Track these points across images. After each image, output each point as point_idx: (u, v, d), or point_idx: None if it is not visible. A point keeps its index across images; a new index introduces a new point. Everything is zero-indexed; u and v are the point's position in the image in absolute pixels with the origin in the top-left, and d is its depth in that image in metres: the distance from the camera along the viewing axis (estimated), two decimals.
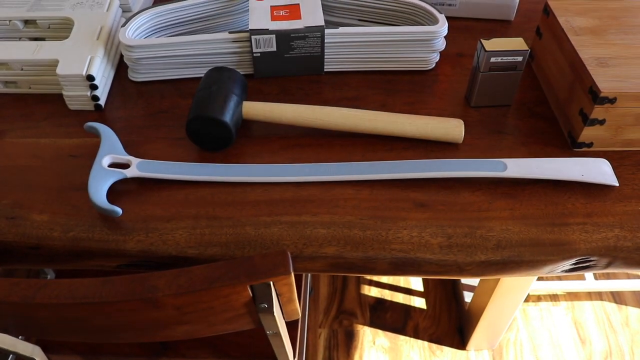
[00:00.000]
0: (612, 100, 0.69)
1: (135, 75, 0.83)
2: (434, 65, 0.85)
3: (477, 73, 0.76)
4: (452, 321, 1.34)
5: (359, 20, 0.88)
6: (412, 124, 0.74)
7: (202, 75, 0.83)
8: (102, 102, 0.79)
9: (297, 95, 0.81)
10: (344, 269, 0.66)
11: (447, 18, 0.93)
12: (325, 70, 0.84)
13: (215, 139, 0.72)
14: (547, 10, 0.82)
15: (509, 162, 0.71)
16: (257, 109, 0.74)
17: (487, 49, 0.73)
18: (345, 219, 0.67)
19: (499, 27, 0.94)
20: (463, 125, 0.74)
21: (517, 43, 0.75)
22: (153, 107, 0.80)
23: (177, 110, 0.80)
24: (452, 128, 0.74)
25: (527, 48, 0.74)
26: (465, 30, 0.93)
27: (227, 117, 0.70)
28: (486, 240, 0.65)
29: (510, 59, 0.74)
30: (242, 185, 0.70)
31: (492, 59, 0.74)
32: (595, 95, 0.69)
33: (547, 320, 1.35)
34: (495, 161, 0.71)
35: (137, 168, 0.70)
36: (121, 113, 0.80)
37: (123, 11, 0.90)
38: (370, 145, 0.75)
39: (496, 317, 1.16)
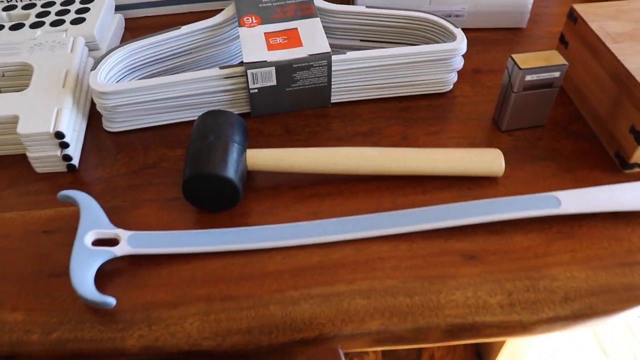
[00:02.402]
0: None
1: (111, 126, 0.71)
2: (452, 87, 0.75)
3: (510, 93, 0.67)
4: (470, 347, 1.25)
5: (361, 40, 0.78)
6: (445, 160, 0.64)
7: (190, 119, 0.71)
8: (75, 161, 0.67)
9: (303, 134, 0.70)
10: (390, 343, 0.56)
11: None
12: (332, 101, 0.73)
13: (218, 199, 0.61)
14: (573, 16, 0.73)
15: (561, 195, 0.61)
16: (263, 158, 0.63)
17: (521, 67, 0.64)
18: (387, 284, 0.56)
19: (512, 36, 0.85)
20: (502, 157, 0.64)
21: (551, 56, 0.66)
22: (137, 162, 0.68)
23: (166, 164, 0.68)
24: (491, 161, 0.64)
25: (565, 62, 0.65)
26: (476, 42, 0.84)
27: (231, 172, 0.59)
28: (552, 292, 0.56)
29: (546, 75, 0.65)
30: (257, 252, 0.59)
31: (528, 77, 0.65)
32: None
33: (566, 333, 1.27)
34: (547, 196, 0.61)
35: (128, 243, 0.58)
36: (100, 172, 0.68)
37: (90, 50, 0.78)
38: (399, 188, 0.64)
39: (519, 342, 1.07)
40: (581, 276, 0.57)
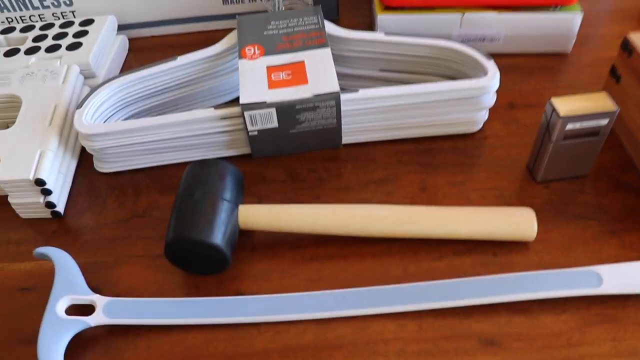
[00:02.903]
0: None
1: (102, 166, 0.65)
2: (481, 126, 0.66)
3: (547, 143, 0.57)
4: None
5: (381, 70, 0.69)
6: (467, 223, 0.55)
7: (186, 160, 0.65)
8: (60, 207, 0.62)
9: (309, 180, 0.63)
10: None
11: (489, 54, 0.73)
12: (344, 143, 0.65)
13: (204, 264, 0.54)
14: (628, 48, 0.62)
15: (603, 271, 0.52)
16: (257, 218, 0.55)
17: (561, 114, 0.54)
18: None
19: (555, 62, 0.75)
20: (535, 219, 0.55)
21: (598, 100, 0.56)
22: (126, 209, 0.62)
23: (156, 213, 0.62)
24: (521, 224, 0.55)
25: (615, 108, 0.55)
26: (513, 69, 0.74)
27: (218, 237, 0.52)
28: None
29: (592, 123, 0.55)
30: (246, 326, 0.52)
31: (569, 126, 0.55)
32: None
33: None
34: (586, 272, 0.52)
35: (104, 312, 0.52)
36: (87, 219, 0.62)
37: (86, 78, 0.72)
38: (412, 251, 0.56)
39: None
40: None
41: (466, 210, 0.56)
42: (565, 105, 0.55)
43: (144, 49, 0.82)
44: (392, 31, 0.69)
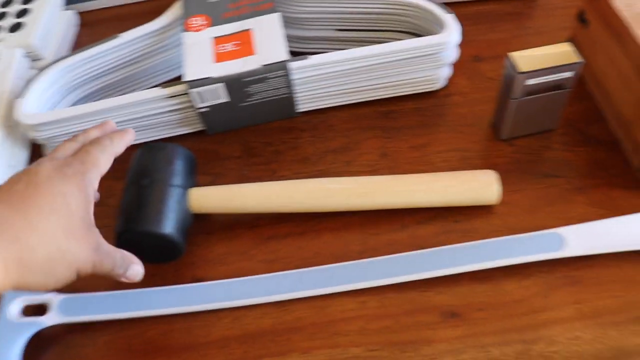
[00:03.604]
0: None
1: None
2: (445, 82, 0.63)
3: (507, 100, 0.55)
4: None
5: (337, 30, 0.66)
6: (427, 191, 0.53)
7: (140, 141, 0.63)
8: None
9: (265, 155, 0.61)
10: None
11: (452, 4, 0.69)
12: (300, 111, 0.63)
13: (158, 253, 0.53)
14: None
15: (567, 232, 0.50)
16: (209, 201, 0.54)
17: (520, 70, 0.51)
18: (350, 353, 0.48)
19: (522, 8, 0.71)
20: (497, 182, 0.53)
21: (562, 52, 0.53)
22: None
23: (112, 200, 0.60)
24: (483, 189, 0.53)
25: (579, 59, 0.52)
26: (478, 18, 0.70)
27: (168, 226, 0.50)
28: None
29: (555, 77, 0.52)
30: (203, 314, 0.51)
31: (530, 82, 0.52)
32: None
33: None
34: (548, 234, 0.51)
35: (59, 310, 0.51)
36: None
37: (33, 60, 0.69)
38: (372, 223, 0.55)
39: None
40: (586, 337, 0.47)
41: (425, 177, 0.54)
42: (525, 59, 0.52)
43: (96, 23, 0.79)
44: None
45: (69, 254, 0.42)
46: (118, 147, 0.49)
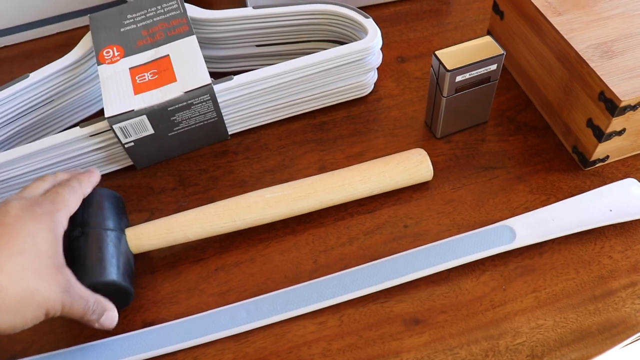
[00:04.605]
0: (635, 107, 0.49)
1: None
2: (372, 87, 0.63)
3: (440, 98, 0.54)
4: None
5: (258, 45, 0.64)
6: (365, 181, 0.53)
7: None
8: None
9: (201, 183, 0.58)
10: None
11: (369, 7, 0.69)
12: (231, 133, 0.61)
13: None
14: None
15: (515, 223, 0.51)
16: (148, 238, 0.51)
17: (448, 68, 0.51)
18: None
19: (439, 5, 0.72)
20: (427, 157, 0.53)
21: (483, 45, 0.53)
22: None
23: None
24: (417, 167, 0.54)
25: (501, 51, 0.52)
26: (397, 19, 0.71)
27: (112, 272, 0.47)
28: (516, 352, 0.46)
29: (481, 71, 0.53)
30: (159, 359, 0.48)
31: (459, 78, 0.52)
32: (611, 104, 0.48)
33: None
34: (498, 228, 0.51)
35: None
36: None
37: None
38: (320, 240, 0.53)
39: None
40: (548, 323, 0.47)
41: (359, 167, 0.54)
42: (450, 56, 0.53)
43: (1, 62, 0.74)
44: (263, 4, 0.63)
45: (37, 294, 0.41)
46: (86, 188, 0.49)
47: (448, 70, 0.51)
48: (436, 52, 0.53)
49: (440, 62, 0.52)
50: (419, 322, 0.48)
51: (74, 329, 0.51)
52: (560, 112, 0.56)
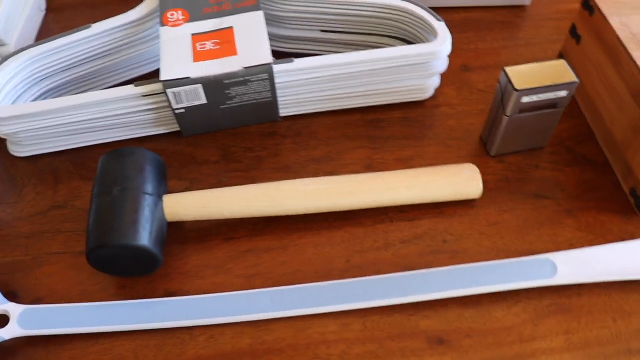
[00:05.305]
0: None
1: (16, 149, 0.59)
2: (432, 92, 0.61)
3: (502, 116, 0.53)
4: None
5: (322, 30, 0.63)
6: (410, 187, 0.51)
7: (110, 140, 0.59)
8: None
9: (244, 161, 0.57)
10: None
11: (440, 9, 0.67)
12: (282, 115, 0.59)
13: (132, 266, 0.49)
14: (588, 5, 0.57)
15: (558, 258, 0.49)
16: (184, 208, 0.50)
17: (517, 87, 0.49)
18: None
19: (513, 16, 0.69)
20: (479, 175, 0.52)
21: (557, 69, 0.51)
22: (45, 198, 0.57)
23: (78, 202, 0.56)
24: (466, 182, 0.52)
25: (575, 79, 0.50)
26: (467, 25, 0.68)
27: (144, 237, 0.47)
28: None
29: (550, 95, 0.51)
30: (177, 331, 0.48)
31: (525, 99, 0.50)
32: None
33: None
34: (540, 260, 0.49)
35: (19, 324, 0.47)
36: (0, 213, 0.56)
37: None
38: (356, 240, 0.52)
39: None
40: None
41: (407, 173, 0.52)
42: (520, 75, 0.50)
43: (64, 8, 0.74)
44: None
45: None
46: None
47: (516, 90, 0.49)
48: (506, 68, 0.51)
49: (509, 80, 0.50)
50: (443, 342, 0.47)
51: (99, 284, 0.51)
52: (624, 151, 0.54)
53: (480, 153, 0.57)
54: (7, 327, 0.47)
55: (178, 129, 0.59)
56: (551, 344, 0.46)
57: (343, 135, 0.59)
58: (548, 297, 0.49)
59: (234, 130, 0.59)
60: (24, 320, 0.48)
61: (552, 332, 0.47)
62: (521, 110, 0.52)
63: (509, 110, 0.51)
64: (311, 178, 0.52)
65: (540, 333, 0.47)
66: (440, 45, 0.55)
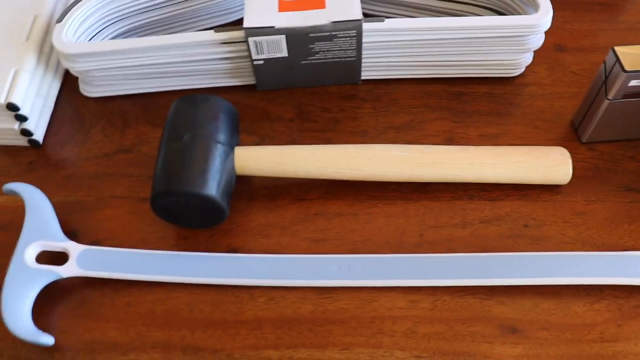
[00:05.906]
0: None
1: (88, 90, 0.57)
2: (523, 69, 0.57)
3: (602, 99, 0.49)
4: None
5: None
6: (497, 166, 0.48)
7: (182, 87, 0.57)
8: (38, 136, 0.55)
9: (320, 121, 0.55)
10: None
11: None
12: (363, 78, 0.57)
13: (197, 217, 0.48)
14: None
15: None
16: (256, 162, 0.48)
17: (626, 68, 0.45)
18: (394, 356, 0.43)
19: None
20: (569, 159, 0.48)
21: None
22: (112, 141, 0.55)
23: (145, 148, 0.55)
24: (555, 167, 0.49)
25: None
26: (564, 3, 0.64)
27: (212, 187, 0.45)
28: None
29: None
30: (236, 289, 0.46)
31: (633, 83, 0.46)
32: None
33: None
34: (629, 257, 0.45)
35: (78, 263, 0.46)
36: (68, 152, 0.55)
37: None
38: (432, 214, 0.49)
39: None
40: None
41: (495, 150, 0.49)
42: (631, 56, 0.46)
43: None
44: None
45: None
46: None
47: (625, 71, 0.45)
48: (615, 48, 0.47)
49: (618, 59, 0.46)
50: (516, 332, 0.44)
51: (159, 232, 0.49)
52: None
53: (570, 138, 0.53)
54: (66, 265, 0.46)
55: (253, 82, 0.57)
56: (636, 348, 0.43)
57: (425, 105, 0.56)
58: (636, 298, 0.45)
59: (311, 89, 0.57)
60: (83, 260, 0.47)
61: (637, 335, 0.43)
62: (625, 95, 0.48)
63: (612, 93, 0.47)
64: (393, 145, 0.49)
65: (624, 335, 0.44)
66: (541, 18, 0.52)
